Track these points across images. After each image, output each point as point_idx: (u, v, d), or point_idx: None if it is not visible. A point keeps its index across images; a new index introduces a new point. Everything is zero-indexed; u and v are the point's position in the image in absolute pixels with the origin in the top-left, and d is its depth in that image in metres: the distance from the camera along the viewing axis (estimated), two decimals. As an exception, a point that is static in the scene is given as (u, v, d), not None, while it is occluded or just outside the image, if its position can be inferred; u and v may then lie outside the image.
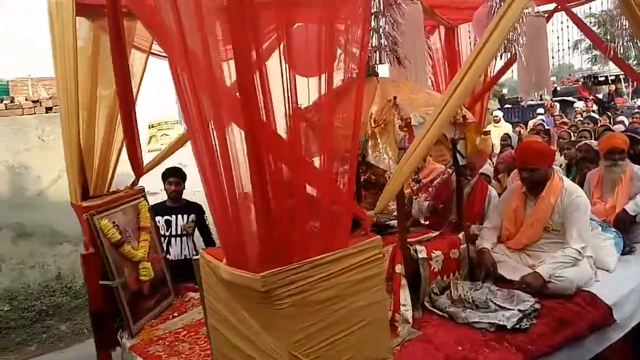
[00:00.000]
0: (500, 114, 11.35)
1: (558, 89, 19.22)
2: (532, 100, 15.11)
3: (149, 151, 6.67)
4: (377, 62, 2.76)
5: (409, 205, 4.78)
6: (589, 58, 25.59)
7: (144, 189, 3.55)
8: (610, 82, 17.31)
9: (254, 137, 1.39)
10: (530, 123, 10.49)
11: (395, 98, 2.74)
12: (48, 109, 6.90)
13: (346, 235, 1.64)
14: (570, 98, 16.61)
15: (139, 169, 3.43)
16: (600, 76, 18.98)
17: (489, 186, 3.69)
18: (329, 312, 1.58)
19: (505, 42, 3.87)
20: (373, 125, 2.79)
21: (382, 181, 3.35)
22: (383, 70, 3.43)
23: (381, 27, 2.55)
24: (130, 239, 3.24)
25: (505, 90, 22.42)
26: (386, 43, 2.59)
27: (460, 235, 3.13)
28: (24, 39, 8.18)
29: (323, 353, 1.57)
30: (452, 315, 2.75)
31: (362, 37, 1.73)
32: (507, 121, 11.92)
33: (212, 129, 1.47)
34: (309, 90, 1.61)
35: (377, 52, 2.68)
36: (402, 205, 2.89)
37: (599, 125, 7.12)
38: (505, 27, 2.16)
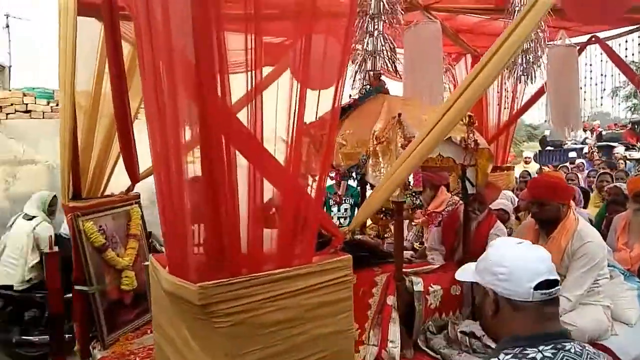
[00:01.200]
0: (531, 154, 10.97)
1: (603, 133, 18.49)
2: (575, 144, 14.58)
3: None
4: (372, 68, 2.58)
5: (421, 235, 4.55)
6: (628, 107, 24.79)
7: (139, 195, 3.44)
8: None
9: (205, 113, 1.23)
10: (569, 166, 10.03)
11: (399, 115, 2.55)
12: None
13: (310, 251, 1.44)
14: (614, 144, 15.89)
15: (134, 175, 3.32)
16: None
17: (497, 222, 3.40)
18: (281, 338, 1.37)
19: (524, 64, 3.68)
20: (375, 142, 2.59)
21: (385, 204, 3.13)
22: (396, 89, 3.28)
23: (377, 29, 2.39)
24: (116, 246, 3.11)
25: (547, 132, 21.77)
26: (384, 47, 2.42)
27: (465, 271, 2.86)
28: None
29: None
30: (446, 357, 2.48)
31: (343, 50, 1.57)
32: (545, 164, 11.48)
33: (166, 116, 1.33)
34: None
35: (373, 57, 2.51)
36: (400, 231, 2.67)
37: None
38: (518, 39, 1.96)
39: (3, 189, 6.75)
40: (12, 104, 6.74)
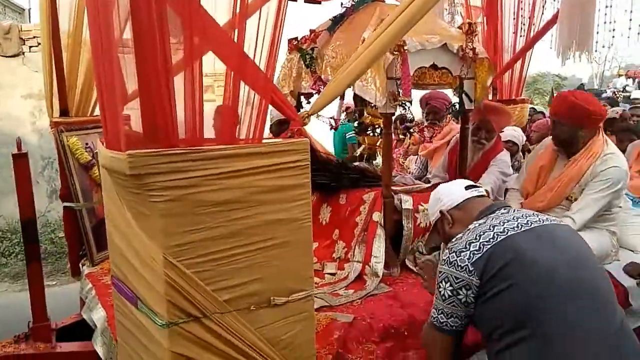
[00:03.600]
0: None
1: None
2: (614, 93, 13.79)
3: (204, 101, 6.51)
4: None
5: (425, 168, 4.40)
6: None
7: (128, 116, 3.35)
8: None
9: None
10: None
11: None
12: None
13: (260, 130, 1.33)
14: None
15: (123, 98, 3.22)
16: None
17: (504, 151, 3.20)
18: (225, 220, 1.28)
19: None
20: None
21: (376, 123, 2.98)
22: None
23: None
24: (104, 164, 3.06)
25: (585, 81, 20.60)
26: None
27: (459, 192, 2.73)
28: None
29: (214, 268, 1.28)
30: (432, 275, 2.39)
31: None
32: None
33: None
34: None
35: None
36: (388, 145, 2.52)
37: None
38: None
39: (30, 123, 6.77)
40: (34, 37, 6.56)
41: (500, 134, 3.71)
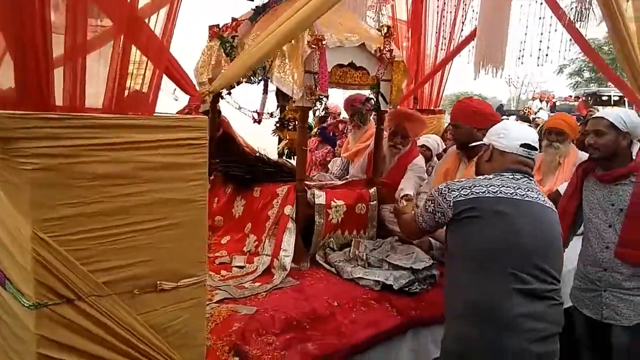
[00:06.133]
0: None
1: (557, 104, 18.93)
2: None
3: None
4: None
5: (346, 170, 4.44)
6: (571, 84, 25.63)
7: None
8: (613, 102, 16.87)
9: None
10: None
11: (309, 11, 2.35)
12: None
13: (153, 102, 1.25)
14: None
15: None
16: (604, 95, 18.58)
17: (419, 156, 3.32)
18: (108, 195, 1.18)
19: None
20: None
21: (292, 114, 2.98)
22: None
23: None
24: None
25: (504, 102, 22.01)
26: None
27: (372, 191, 2.78)
28: None
29: (92, 247, 1.18)
30: (339, 270, 2.40)
31: None
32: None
33: None
34: None
35: None
36: (302, 138, 2.51)
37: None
38: None
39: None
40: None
41: (418, 138, 3.88)
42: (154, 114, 1.25)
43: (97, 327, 1.22)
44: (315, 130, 5.47)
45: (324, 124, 5.39)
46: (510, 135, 1.81)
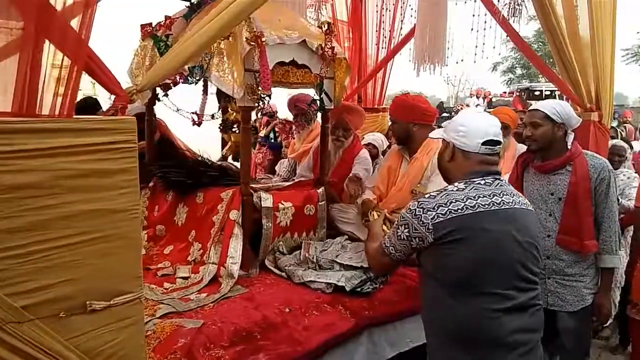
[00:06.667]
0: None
1: (494, 100, 19.71)
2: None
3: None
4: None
5: (293, 171, 4.37)
6: (505, 80, 26.90)
7: None
8: (544, 96, 17.67)
9: None
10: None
11: (246, 7, 2.25)
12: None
13: (71, 102, 1.12)
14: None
15: None
16: (536, 90, 19.48)
17: (363, 149, 3.31)
18: (21, 208, 1.05)
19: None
20: (220, 39, 2.28)
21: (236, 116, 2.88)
22: None
23: None
24: None
25: (444, 99, 22.77)
26: None
27: (320, 191, 2.72)
28: None
29: (7, 268, 1.05)
30: (290, 274, 2.33)
31: None
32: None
33: None
34: None
35: None
36: (246, 139, 2.42)
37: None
38: None
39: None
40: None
41: (362, 138, 3.88)
42: (72, 117, 1.12)
43: (20, 357, 1.08)
44: (260, 139, 5.38)
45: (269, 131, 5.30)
46: (470, 132, 1.61)
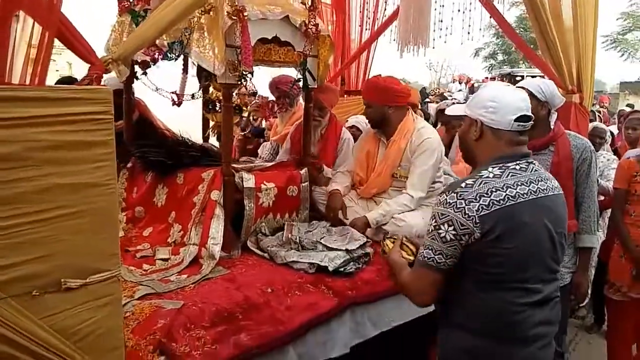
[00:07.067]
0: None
1: (476, 85, 19.84)
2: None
3: None
4: None
5: (276, 154, 4.33)
6: (486, 67, 27.06)
7: None
8: None
9: None
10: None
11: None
12: None
13: (43, 72, 1.07)
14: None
15: None
16: (518, 75, 19.62)
17: (343, 128, 3.28)
18: (-8, 181, 1.00)
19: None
20: (200, 13, 2.22)
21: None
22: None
23: None
24: None
25: (427, 84, 22.76)
26: None
27: (303, 172, 2.69)
28: None
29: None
30: (273, 255, 2.31)
31: None
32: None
33: None
34: None
35: None
36: (228, 117, 2.37)
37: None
38: None
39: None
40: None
41: (346, 121, 3.86)
42: (45, 86, 1.07)
43: (-12, 336, 1.04)
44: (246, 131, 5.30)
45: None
46: (501, 108, 1.48)
